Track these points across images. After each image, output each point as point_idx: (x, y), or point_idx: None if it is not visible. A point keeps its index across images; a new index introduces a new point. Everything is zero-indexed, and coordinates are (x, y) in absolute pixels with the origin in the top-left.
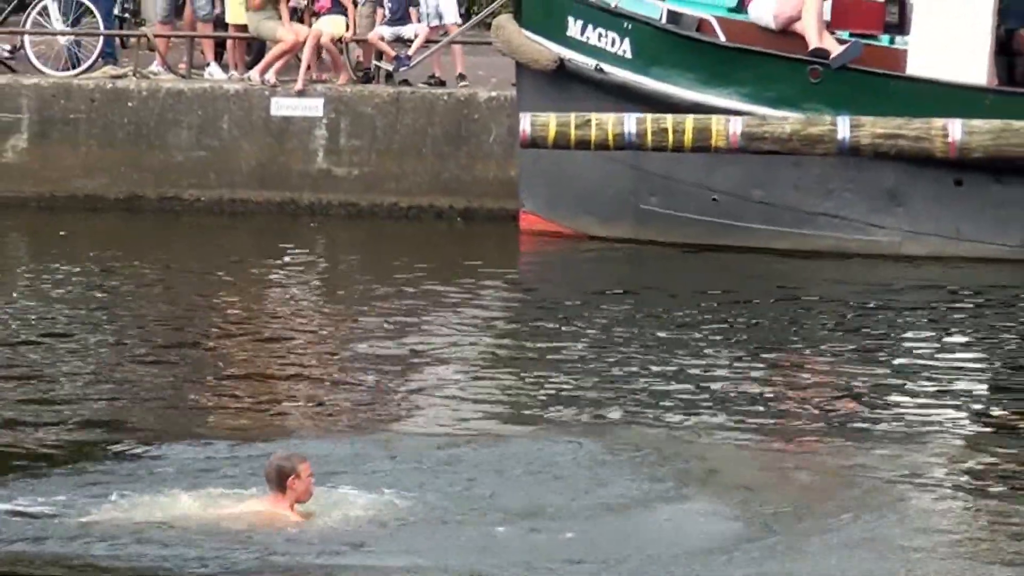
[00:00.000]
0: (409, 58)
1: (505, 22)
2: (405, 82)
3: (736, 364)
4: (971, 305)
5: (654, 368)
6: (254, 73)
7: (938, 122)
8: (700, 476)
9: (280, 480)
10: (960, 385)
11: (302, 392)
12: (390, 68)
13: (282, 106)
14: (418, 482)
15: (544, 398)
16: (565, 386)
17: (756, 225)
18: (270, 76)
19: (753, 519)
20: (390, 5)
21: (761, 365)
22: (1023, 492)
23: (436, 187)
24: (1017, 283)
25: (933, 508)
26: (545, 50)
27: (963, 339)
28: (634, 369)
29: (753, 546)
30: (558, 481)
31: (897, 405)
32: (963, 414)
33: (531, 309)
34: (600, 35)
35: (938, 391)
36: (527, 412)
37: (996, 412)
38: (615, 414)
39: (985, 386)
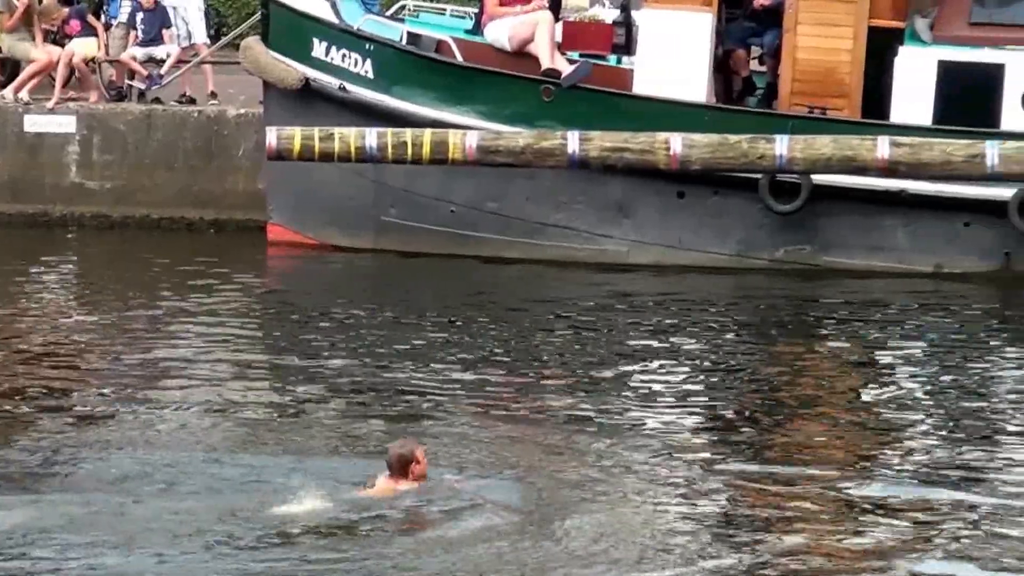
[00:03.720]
0: (161, 77)
1: (252, 43)
2: (157, 100)
3: (474, 367)
4: (692, 310)
5: (388, 374)
6: (8, 92)
7: (661, 136)
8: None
9: (403, 467)
10: (682, 383)
11: (44, 403)
12: (143, 87)
13: (35, 123)
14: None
15: (279, 407)
16: (301, 394)
17: (491, 235)
18: (24, 95)
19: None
20: (143, 27)
21: (498, 371)
22: (742, 485)
23: (187, 200)
24: (732, 289)
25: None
26: (291, 70)
27: (685, 340)
28: (371, 374)
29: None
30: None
31: (617, 401)
32: (675, 411)
33: (273, 318)
34: (344, 56)
35: (659, 390)
36: (261, 420)
37: (711, 408)
38: (354, 413)
39: (702, 385)
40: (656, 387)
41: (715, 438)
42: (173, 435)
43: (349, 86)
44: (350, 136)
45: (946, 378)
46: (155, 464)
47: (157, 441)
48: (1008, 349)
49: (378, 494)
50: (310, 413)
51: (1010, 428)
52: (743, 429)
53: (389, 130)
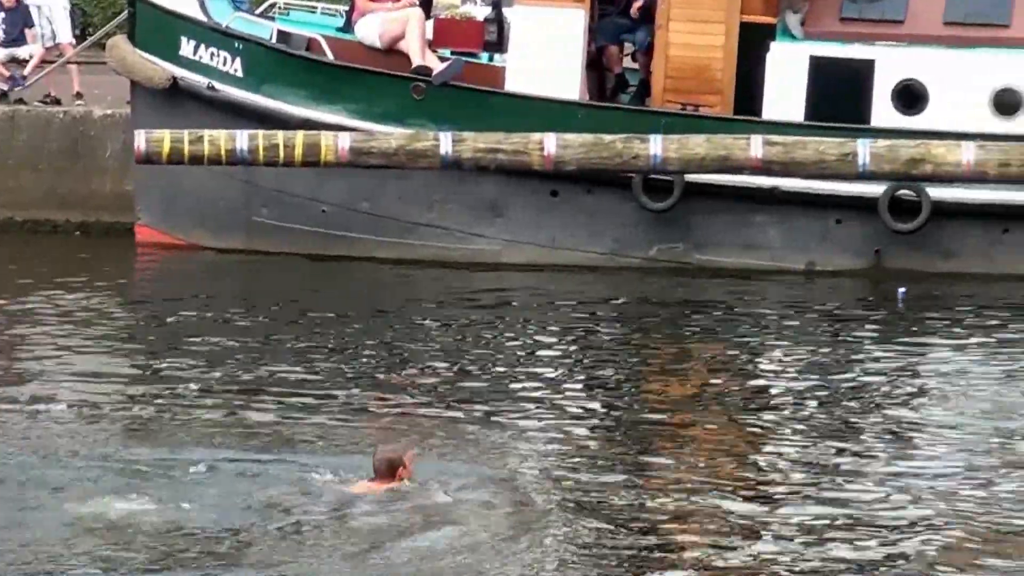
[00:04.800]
0: (24, 78)
1: (119, 42)
2: (20, 101)
3: (347, 363)
4: (565, 309)
5: (261, 372)
6: None
7: (535, 136)
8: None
9: (392, 470)
10: (556, 383)
11: None
12: (5, 88)
13: None
14: None
15: (148, 407)
16: (168, 394)
17: (363, 235)
18: None
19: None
20: (4, 27)
21: (371, 369)
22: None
23: (53, 201)
24: (606, 288)
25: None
26: (159, 69)
27: (556, 339)
28: (236, 371)
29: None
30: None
31: (492, 399)
32: (545, 412)
33: (142, 319)
34: (212, 54)
35: (530, 390)
36: (124, 421)
37: (584, 408)
38: (230, 408)
39: (578, 385)
40: (528, 387)
41: (588, 441)
42: (44, 436)
43: (218, 85)
44: (220, 139)
45: (816, 377)
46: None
47: (31, 442)
48: (877, 347)
49: (360, 492)
50: (179, 413)
51: (876, 427)
52: (615, 431)
53: (260, 132)
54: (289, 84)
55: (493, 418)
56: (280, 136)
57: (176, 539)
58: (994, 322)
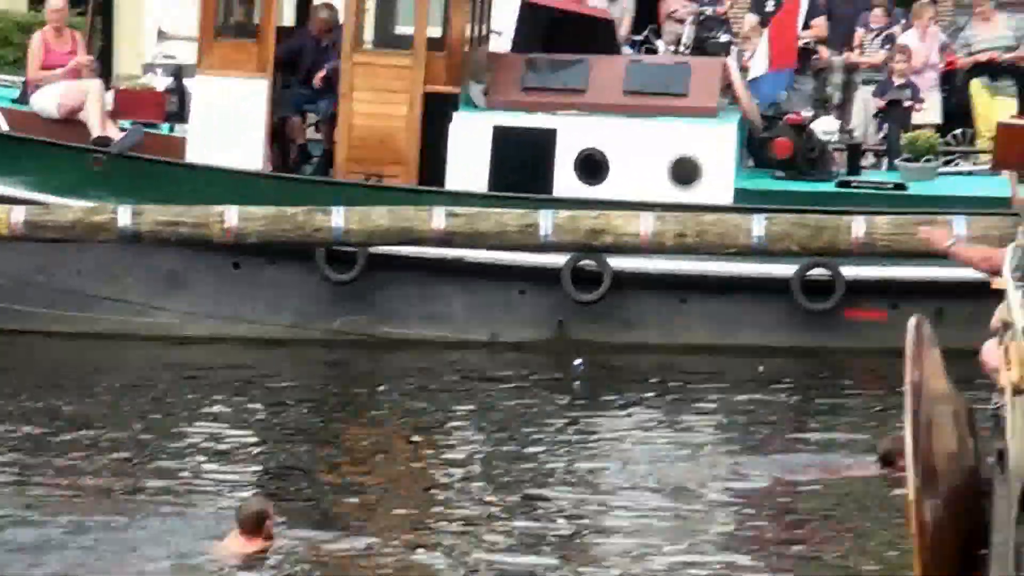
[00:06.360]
0: None
1: None
2: None
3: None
4: (241, 383)
5: None
6: None
7: (216, 209)
8: None
9: (259, 523)
10: (231, 459)
11: None
12: None
13: None
14: None
15: None
16: None
17: (39, 309)
18: None
19: None
20: None
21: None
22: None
23: None
24: (287, 361)
25: None
26: None
27: (229, 412)
28: None
29: None
30: None
31: (166, 471)
32: (217, 487)
33: None
34: None
35: (204, 465)
36: None
37: (259, 483)
38: None
39: (249, 464)
40: (201, 462)
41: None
42: None
43: None
44: None
45: (496, 448)
46: None
47: None
48: (555, 419)
49: (230, 551)
50: None
51: (564, 498)
52: (291, 503)
53: None
54: None
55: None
56: None
57: None
58: (672, 395)
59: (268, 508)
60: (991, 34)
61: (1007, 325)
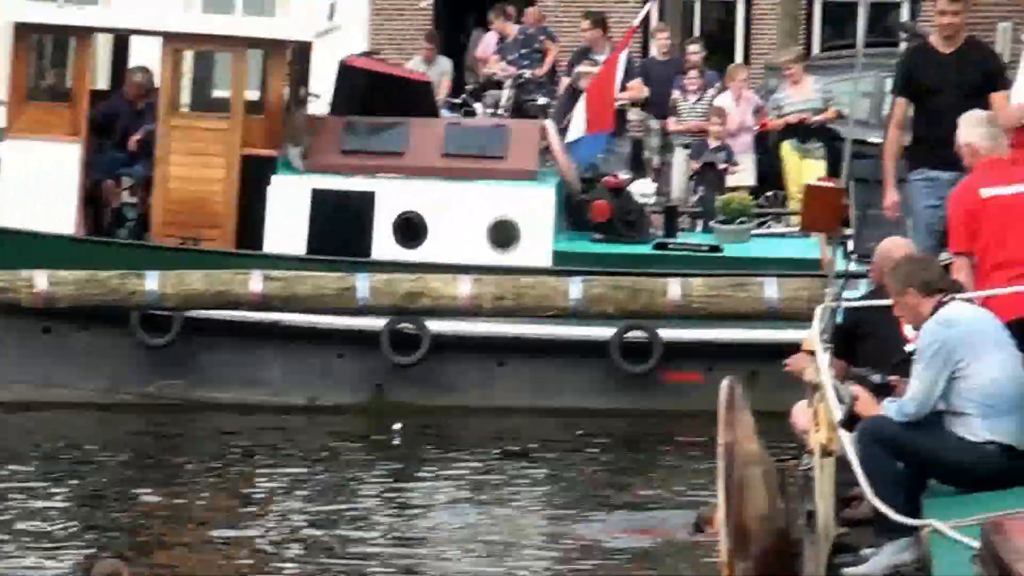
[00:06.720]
0: None
1: None
2: None
3: None
4: (55, 449)
5: None
6: None
7: (24, 273)
8: None
9: None
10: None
11: None
12: None
13: None
14: None
15: None
16: None
17: None
18: None
19: None
20: None
21: None
22: None
23: None
24: (99, 427)
25: None
26: None
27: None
28: None
29: None
30: None
31: None
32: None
33: None
34: None
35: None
36: None
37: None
38: None
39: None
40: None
41: None
42: None
43: None
44: None
45: (314, 513)
46: None
47: None
48: (377, 482)
49: None
50: None
51: (381, 561)
52: None
53: None
54: None
55: None
56: None
57: None
58: (491, 459)
59: (123, 569)
60: (801, 96)
61: (815, 387)
